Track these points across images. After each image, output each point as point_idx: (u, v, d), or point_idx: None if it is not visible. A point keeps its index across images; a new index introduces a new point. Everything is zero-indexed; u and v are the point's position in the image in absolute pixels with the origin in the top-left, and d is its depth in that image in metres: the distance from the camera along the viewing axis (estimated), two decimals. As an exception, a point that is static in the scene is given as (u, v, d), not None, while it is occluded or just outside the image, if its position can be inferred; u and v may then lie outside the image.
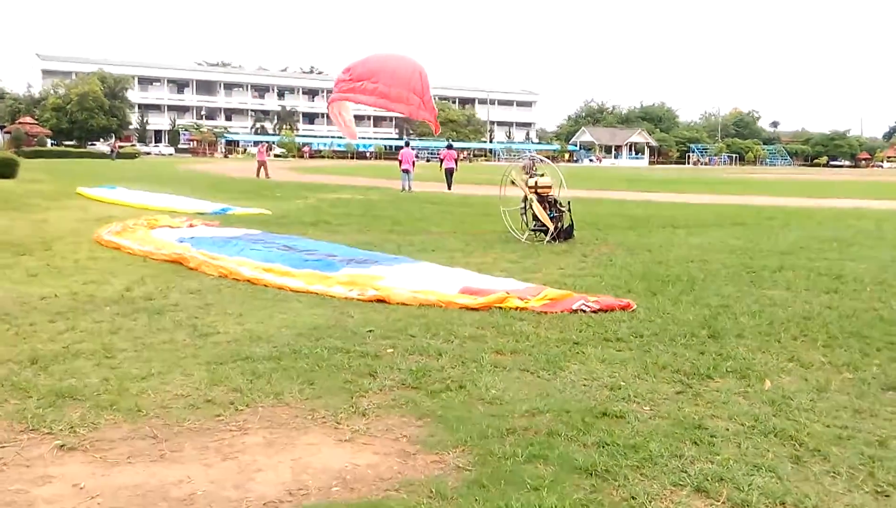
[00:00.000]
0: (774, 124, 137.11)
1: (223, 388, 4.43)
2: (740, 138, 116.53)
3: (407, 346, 5.39)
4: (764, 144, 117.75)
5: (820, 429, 3.97)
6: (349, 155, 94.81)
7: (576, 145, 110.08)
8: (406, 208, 18.08)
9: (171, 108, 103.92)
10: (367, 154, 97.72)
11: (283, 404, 4.22)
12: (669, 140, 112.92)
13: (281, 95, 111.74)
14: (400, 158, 26.88)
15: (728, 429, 3.95)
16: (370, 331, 5.78)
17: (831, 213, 18.69)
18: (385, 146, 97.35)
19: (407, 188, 25.18)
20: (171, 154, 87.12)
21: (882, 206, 21.76)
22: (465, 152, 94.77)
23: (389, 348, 5.35)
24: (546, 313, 6.51)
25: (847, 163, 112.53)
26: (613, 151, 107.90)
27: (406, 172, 25.67)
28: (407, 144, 29.00)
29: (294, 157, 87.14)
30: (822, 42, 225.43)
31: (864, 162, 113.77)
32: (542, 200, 11.95)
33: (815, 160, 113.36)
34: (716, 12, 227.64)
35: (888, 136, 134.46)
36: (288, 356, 5.06)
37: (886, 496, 3.25)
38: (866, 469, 3.48)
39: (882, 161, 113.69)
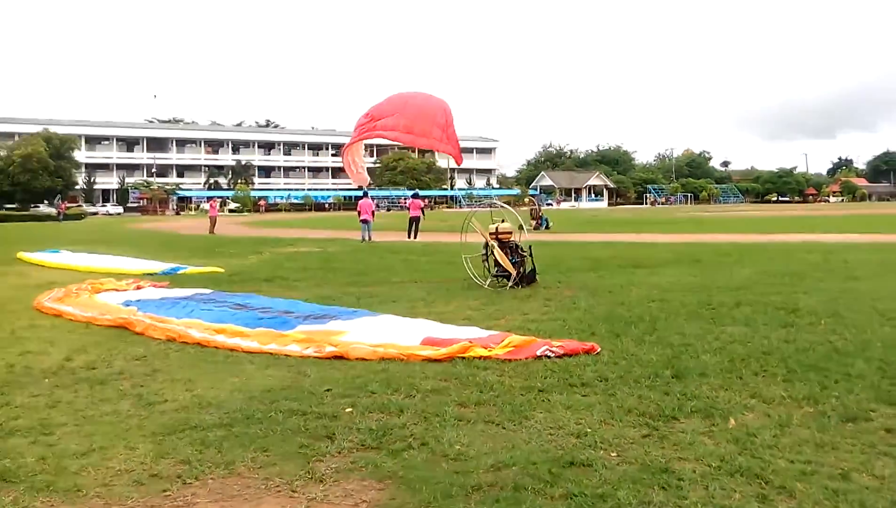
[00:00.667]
0: (725, 164, 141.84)
1: (170, 461, 4.25)
2: (694, 178, 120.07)
3: (367, 404, 5.26)
4: (716, 182, 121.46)
5: (784, 465, 3.97)
6: (307, 207, 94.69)
7: (536, 190, 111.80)
8: (366, 259, 17.99)
9: (120, 166, 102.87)
10: (326, 205, 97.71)
11: (235, 474, 4.06)
12: (627, 182, 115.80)
13: (236, 149, 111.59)
14: (358, 208, 26.86)
15: (695, 471, 3.92)
16: (328, 390, 5.64)
17: (782, 247, 19.16)
18: (344, 197, 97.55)
19: (367, 239, 25.13)
20: (119, 213, 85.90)
21: (829, 239, 22.41)
22: (427, 200, 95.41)
23: (348, 407, 5.21)
24: (510, 360, 6.46)
25: (797, 198, 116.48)
26: (573, 194, 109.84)
27: (365, 222, 25.64)
28: (365, 195, 28.96)
29: (249, 211, 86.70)
30: (765, 84, 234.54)
31: (811, 197, 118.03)
32: (504, 245, 12.01)
33: (766, 197, 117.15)
34: (664, 58, 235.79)
35: (832, 172, 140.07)
36: (240, 423, 4.90)
37: (853, 532, 3.23)
38: (831, 504, 3.48)
39: (828, 196, 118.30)
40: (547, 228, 32.28)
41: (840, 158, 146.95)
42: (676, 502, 3.54)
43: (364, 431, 4.67)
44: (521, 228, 12.36)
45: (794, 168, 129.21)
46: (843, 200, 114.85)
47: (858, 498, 3.52)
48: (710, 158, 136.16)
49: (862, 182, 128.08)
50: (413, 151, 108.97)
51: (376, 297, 10.83)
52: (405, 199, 34.89)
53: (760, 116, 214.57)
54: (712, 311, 8.88)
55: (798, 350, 6.61)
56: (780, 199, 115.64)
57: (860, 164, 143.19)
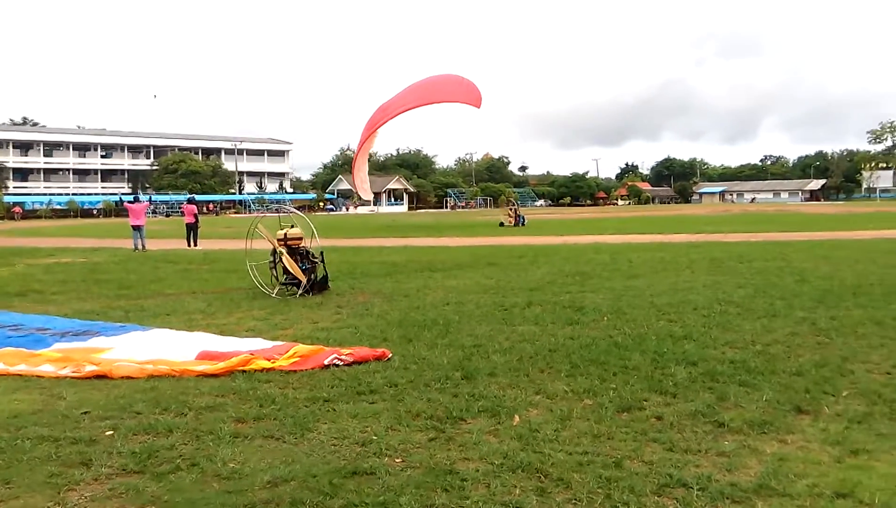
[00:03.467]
0: (523, 169, 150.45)
1: None
2: (493, 182, 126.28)
3: (131, 425, 4.98)
4: (515, 186, 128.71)
5: (563, 458, 4.28)
6: (72, 214, 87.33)
7: (333, 194, 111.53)
8: (137, 269, 16.92)
9: None
10: (94, 211, 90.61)
11: (-36, 515, 3.65)
12: (427, 186, 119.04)
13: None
14: (130, 214, 25.23)
15: (478, 470, 4.11)
16: (85, 413, 5.28)
17: (574, 249, 20.74)
18: (115, 202, 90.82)
19: (140, 247, 23.67)
20: None
21: (616, 240, 24.65)
22: (212, 205, 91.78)
23: (109, 430, 4.90)
24: (296, 371, 6.41)
25: (588, 202, 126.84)
26: (373, 198, 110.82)
27: (137, 228, 24.15)
28: (136, 199, 27.40)
29: (2, 218, 78.27)
30: (559, 93, 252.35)
31: (601, 201, 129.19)
32: (293, 251, 11.84)
33: (560, 201, 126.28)
34: (460, 64, 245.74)
35: (620, 176, 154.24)
36: (-26, 456, 4.41)
37: (621, 514, 3.57)
38: (603, 492, 3.80)
39: (616, 199, 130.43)
40: (523, 225, 37.88)
41: (627, 164, 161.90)
42: (458, 502, 3.69)
43: (126, 455, 4.41)
44: (312, 233, 12.26)
45: (587, 173, 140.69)
46: (629, 203, 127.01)
47: (629, 484, 3.88)
48: (508, 163, 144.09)
49: (646, 186, 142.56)
50: (195, 154, 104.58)
51: (148, 310, 10.27)
52: (183, 204, 33.35)
53: (554, 124, 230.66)
54: (505, 312, 9.39)
55: (581, 346, 7.18)
56: (574, 202, 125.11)
57: (645, 169, 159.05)
